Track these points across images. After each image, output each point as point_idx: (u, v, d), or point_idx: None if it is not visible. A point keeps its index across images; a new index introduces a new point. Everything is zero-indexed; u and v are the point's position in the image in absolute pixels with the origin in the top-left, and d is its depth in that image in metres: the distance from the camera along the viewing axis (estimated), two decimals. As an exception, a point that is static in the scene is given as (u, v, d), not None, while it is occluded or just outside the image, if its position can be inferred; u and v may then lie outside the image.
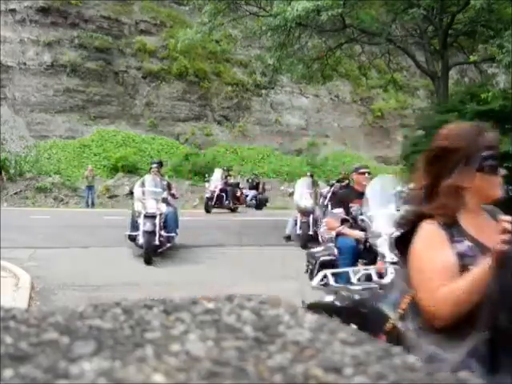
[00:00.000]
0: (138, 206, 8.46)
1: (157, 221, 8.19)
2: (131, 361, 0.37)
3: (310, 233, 10.44)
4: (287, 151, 25.97)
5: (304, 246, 10.07)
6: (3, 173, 18.44)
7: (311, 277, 5.76)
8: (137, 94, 24.09)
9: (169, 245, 8.70)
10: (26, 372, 0.35)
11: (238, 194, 17.70)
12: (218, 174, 17.21)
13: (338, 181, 18.46)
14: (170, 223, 8.68)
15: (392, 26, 14.05)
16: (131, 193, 9.44)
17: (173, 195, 9.51)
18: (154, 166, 9.64)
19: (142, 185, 8.88)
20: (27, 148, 21.12)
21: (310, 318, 0.47)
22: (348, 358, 0.40)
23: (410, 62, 17.44)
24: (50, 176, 20.18)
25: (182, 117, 24.61)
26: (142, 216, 8.24)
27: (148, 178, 9.08)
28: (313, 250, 6.30)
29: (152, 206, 8.30)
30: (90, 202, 18.73)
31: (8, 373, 0.35)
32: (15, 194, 19.07)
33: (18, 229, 10.24)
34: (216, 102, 25.48)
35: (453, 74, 18.82)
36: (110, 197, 19.99)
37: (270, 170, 24.37)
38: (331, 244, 6.23)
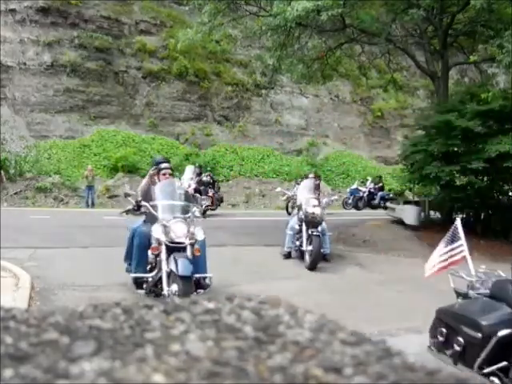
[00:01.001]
0: (157, 232, 5.45)
1: (189, 253, 5.38)
2: (131, 361, 0.37)
3: (322, 250, 8.68)
4: (287, 151, 25.97)
5: (314, 268, 8.33)
6: (3, 173, 18.45)
7: (461, 361, 3.56)
8: (137, 94, 24.09)
9: (202, 291, 5.53)
10: (25, 372, 0.35)
11: (211, 193, 15.83)
12: (189, 171, 15.59)
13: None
14: (202, 258, 5.74)
15: (392, 26, 14.05)
16: (138, 207, 5.87)
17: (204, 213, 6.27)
18: (164, 165, 6.42)
19: (150, 195, 5.93)
20: (27, 148, 21.12)
21: (310, 318, 0.47)
22: (348, 358, 0.40)
23: (410, 62, 17.44)
24: (50, 176, 20.18)
25: (182, 117, 24.61)
26: (164, 248, 5.35)
27: (163, 186, 5.97)
28: (461, 305, 3.92)
29: (182, 232, 5.45)
30: (90, 202, 18.73)
31: (8, 373, 0.35)
32: (15, 193, 19.07)
33: (17, 229, 10.24)
34: (216, 101, 25.49)
35: (453, 74, 18.82)
36: (110, 197, 19.99)
37: (269, 170, 24.37)
38: (480, 289, 3.94)
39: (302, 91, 26.87)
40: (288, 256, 9.20)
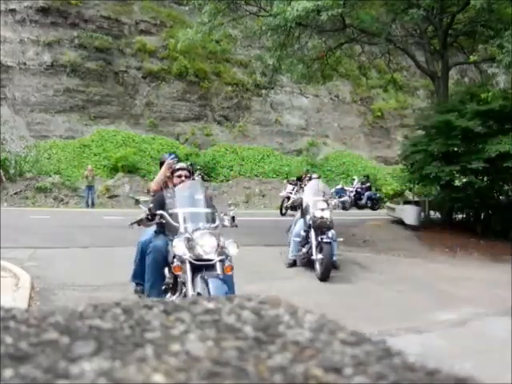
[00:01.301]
0: (179, 248, 4.42)
1: (219, 271, 4.43)
2: (131, 361, 0.37)
3: (335, 258, 8.06)
4: (287, 151, 25.97)
5: (326, 278, 7.56)
6: (2, 173, 18.42)
7: None
8: (137, 94, 24.09)
9: None
10: (25, 372, 0.35)
11: None
12: None
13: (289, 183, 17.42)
14: (231, 276, 4.68)
15: (392, 26, 14.05)
16: (152, 217, 4.78)
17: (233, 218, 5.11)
18: (180, 165, 5.52)
19: (167, 202, 4.91)
20: (27, 148, 21.13)
21: (310, 318, 0.47)
22: (348, 358, 0.40)
23: (410, 62, 17.43)
24: (50, 176, 20.18)
25: (182, 117, 24.61)
26: (189, 267, 4.39)
27: (181, 190, 4.96)
28: None
29: (211, 246, 4.47)
30: (90, 202, 18.72)
31: (8, 373, 0.35)
32: (15, 193, 19.07)
33: (17, 229, 10.24)
34: (216, 101, 25.49)
35: (453, 74, 18.82)
36: (110, 197, 19.99)
37: (269, 170, 24.37)
38: None
39: (302, 91, 26.86)
40: (293, 264, 8.46)
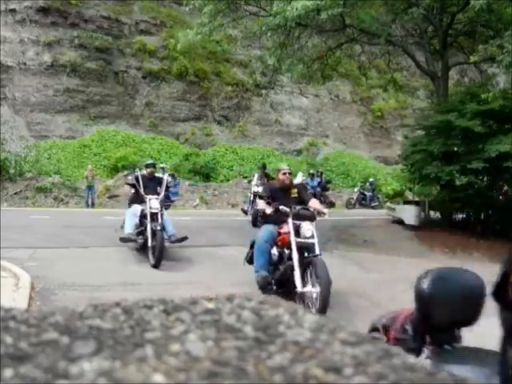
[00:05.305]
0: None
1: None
2: (131, 361, 0.37)
3: None
4: (287, 151, 25.97)
5: None
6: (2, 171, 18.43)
7: None
8: (137, 94, 24.09)
9: None
10: (25, 372, 0.35)
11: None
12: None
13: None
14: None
15: (392, 26, 14.06)
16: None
17: None
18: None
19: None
20: (27, 148, 21.12)
21: (310, 318, 0.47)
22: (348, 357, 0.40)
23: (410, 62, 17.44)
24: (50, 176, 20.17)
25: (182, 117, 24.61)
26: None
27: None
28: None
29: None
30: (90, 202, 18.71)
31: (8, 373, 0.35)
32: (15, 193, 19.06)
33: (18, 229, 10.23)
34: (216, 101, 25.48)
35: (453, 74, 18.82)
36: (110, 197, 19.98)
37: (269, 170, 24.35)
38: None
39: (301, 91, 26.87)
40: None
